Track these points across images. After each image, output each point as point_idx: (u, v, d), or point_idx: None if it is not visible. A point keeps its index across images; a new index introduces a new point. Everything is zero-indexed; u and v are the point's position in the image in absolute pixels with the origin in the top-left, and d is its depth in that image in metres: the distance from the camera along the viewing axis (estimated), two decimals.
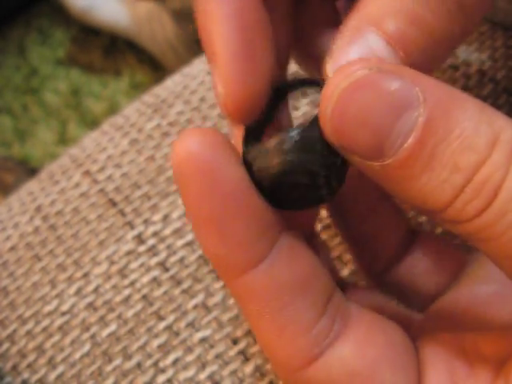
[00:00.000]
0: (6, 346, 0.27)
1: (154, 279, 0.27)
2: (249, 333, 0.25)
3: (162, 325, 0.26)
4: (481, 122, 0.12)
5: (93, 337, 0.26)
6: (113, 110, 0.96)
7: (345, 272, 0.26)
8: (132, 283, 0.27)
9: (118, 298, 0.27)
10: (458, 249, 0.21)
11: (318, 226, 0.27)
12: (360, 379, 0.14)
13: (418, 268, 0.20)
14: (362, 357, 0.15)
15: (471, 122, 0.12)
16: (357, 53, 0.14)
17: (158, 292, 0.27)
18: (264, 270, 0.14)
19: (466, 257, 0.20)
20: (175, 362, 0.25)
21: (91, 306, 0.27)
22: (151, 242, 0.28)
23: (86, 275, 0.28)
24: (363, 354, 0.15)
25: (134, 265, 0.28)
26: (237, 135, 0.16)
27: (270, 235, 0.14)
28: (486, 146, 0.12)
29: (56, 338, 0.27)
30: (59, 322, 0.27)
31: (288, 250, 0.15)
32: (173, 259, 0.27)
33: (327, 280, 0.15)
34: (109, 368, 0.26)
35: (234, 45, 0.15)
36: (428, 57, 0.15)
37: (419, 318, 0.19)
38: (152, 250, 0.28)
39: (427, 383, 0.15)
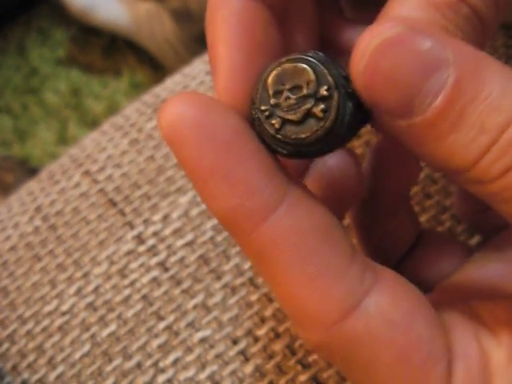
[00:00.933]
0: (5, 345, 0.27)
1: (154, 279, 0.27)
2: (249, 333, 0.25)
3: (162, 325, 0.26)
4: (508, 84, 0.13)
5: (93, 337, 0.26)
6: (113, 109, 0.96)
7: None
8: (132, 283, 0.27)
9: (118, 298, 0.27)
10: (459, 242, 0.21)
11: None
12: (399, 330, 0.14)
13: (424, 261, 0.20)
14: (399, 307, 0.14)
15: (499, 84, 0.13)
16: None
17: (157, 292, 0.27)
18: (284, 213, 0.13)
19: (468, 248, 0.21)
20: (175, 361, 0.25)
21: (91, 306, 0.27)
22: (151, 241, 0.28)
23: (85, 275, 0.28)
24: (399, 303, 0.14)
25: (133, 265, 0.28)
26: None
27: (280, 179, 0.14)
28: None
29: (56, 337, 0.27)
30: (59, 321, 0.27)
31: (302, 196, 0.14)
32: (173, 259, 0.27)
33: (346, 232, 0.15)
34: (109, 368, 0.26)
35: (235, 66, 0.15)
36: None
37: (429, 295, 0.19)
38: (152, 250, 0.28)
39: (456, 345, 0.14)
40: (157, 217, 0.29)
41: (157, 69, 0.99)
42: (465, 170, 0.13)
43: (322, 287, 0.14)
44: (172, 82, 0.34)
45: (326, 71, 0.14)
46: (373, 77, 0.13)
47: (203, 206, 0.29)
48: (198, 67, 0.34)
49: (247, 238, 0.14)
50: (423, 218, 0.27)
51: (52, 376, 0.26)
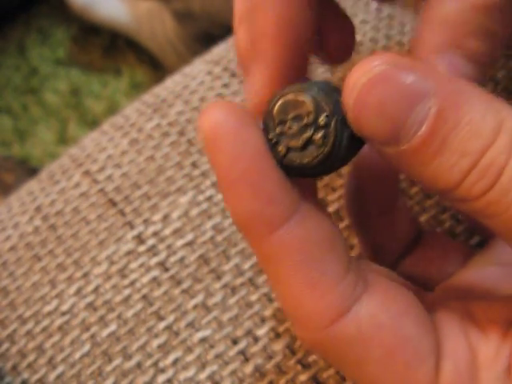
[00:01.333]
0: (5, 346, 0.27)
1: (154, 279, 0.27)
2: (249, 333, 0.25)
3: (162, 325, 0.26)
4: (487, 111, 0.14)
5: (93, 337, 0.26)
6: (113, 109, 0.96)
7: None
8: (132, 283, 0.27)
9: (118, 298, 0.27)
10: (460, 243, 0.22)
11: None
12: (387, 331, 0.15)
13: (425, 260, 0.22)
14: (387, 310, 0.15)
15: (478, 110, 0.14)
16: (443, 69, 0.17)
17: (157, 292, 0.27)
18: (296, 223, 0.15)
19: (468, 249, 0.22)
20: (175, 362, 0.25)
21: (91, 306, 0.27)
22: (151, 242, 0.28)
23: (85, 275, 0.28)
24: (388, 308, 0.16)
25: (133, 265, 0.28)
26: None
27: (295, 193, 0.15)
28: (492, 132, 0.14)
29: (56, 338, 0.27)
30: (59, 321, 0.27)
31: (312, 210, 0.16)
32: (173, 259, 0.27)
33: (345, 243, 0.16)
34: (109, 368, 0.26)
35: (274, 66, 0.17)
36: (493, 61, 0.17)
37: (429, 294, 0.20)
38: (152, 250, 0.28)
39: (446, 343, 0.16)
40: (157, 217, 0.29)
41: (157, 69, 0.99)
42: (449, 191, 0.14)
43: (320, 292, 0.15)
44: (172, 82, 0.34)
45: (324, 101, 0.15)
46: (361, 112, 0.14)
47: (203, 206, 0.29)
48: (198, 67, 0.34)
49: (261, 241, 0.15)
50: (423, 218, 0.27)
51: (52, 376, 0.26)
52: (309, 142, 0.16)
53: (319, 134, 0.15)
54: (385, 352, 0.15)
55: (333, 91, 0.16)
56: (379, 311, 0.15)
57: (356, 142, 0.16)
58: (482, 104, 0.14)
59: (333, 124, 0.15)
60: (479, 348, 0.16)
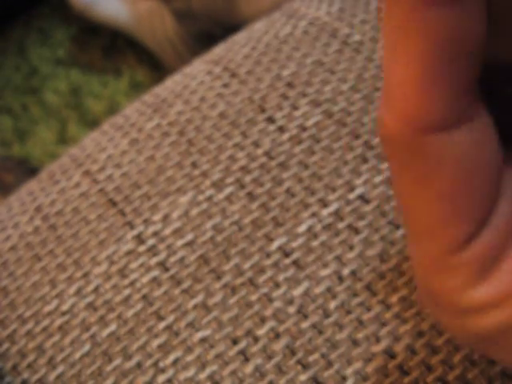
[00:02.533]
0: (5, 345, 0.27)
1: (154, 279, 0.27)
2: (249, 333, 0.25)
3: (162, 325, 0.26)
4: None
5: (93, 337, 0.26)
6: (113, 109, 0.96)
7: None
8: (132, 283, 0.27)
9: (118, 298, 0.27)
10: None
11: None
12: (470, 160, 0.15)
13: None
14: (480, 150, 0.14)
15: None
16: None
17: (157, 292, 0.27)
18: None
19: None
20: (175, 361, 0.25)
21: (91, 306, 0.27)
22: (151, 241, 0.28)
23: (86, 275, 0.28)
24: (482, 147, 0.15)
25: (133, 265, 0.28)
26: None
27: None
28: None
29: (56, 338, 0.27)
30: (59, 321, 0.27)
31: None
32: (173, 259, 0.27)
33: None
34: (109, 368, 0.26)
35: None
36: None
37: None
38: (152, 250, 0.28)
39: (502, 203, 0.15)
40: (157, 217, 0.29)
41: (157, 69, 0.99)
42: None
43: (434, 95, 0.14)
44: (172, 82, 0.34)
45: None
46: None
47: (203, 206, 0.29)
48: (198, 67, 0.34)
49: (411, 12, 0.14)
50: None
51: (52, 376, 0.26)
52: None
53: None
54: (454, 179, 0.14)
55: None
56: (471, 147, 0.14)
57: None
58: None
59: None
60: None
